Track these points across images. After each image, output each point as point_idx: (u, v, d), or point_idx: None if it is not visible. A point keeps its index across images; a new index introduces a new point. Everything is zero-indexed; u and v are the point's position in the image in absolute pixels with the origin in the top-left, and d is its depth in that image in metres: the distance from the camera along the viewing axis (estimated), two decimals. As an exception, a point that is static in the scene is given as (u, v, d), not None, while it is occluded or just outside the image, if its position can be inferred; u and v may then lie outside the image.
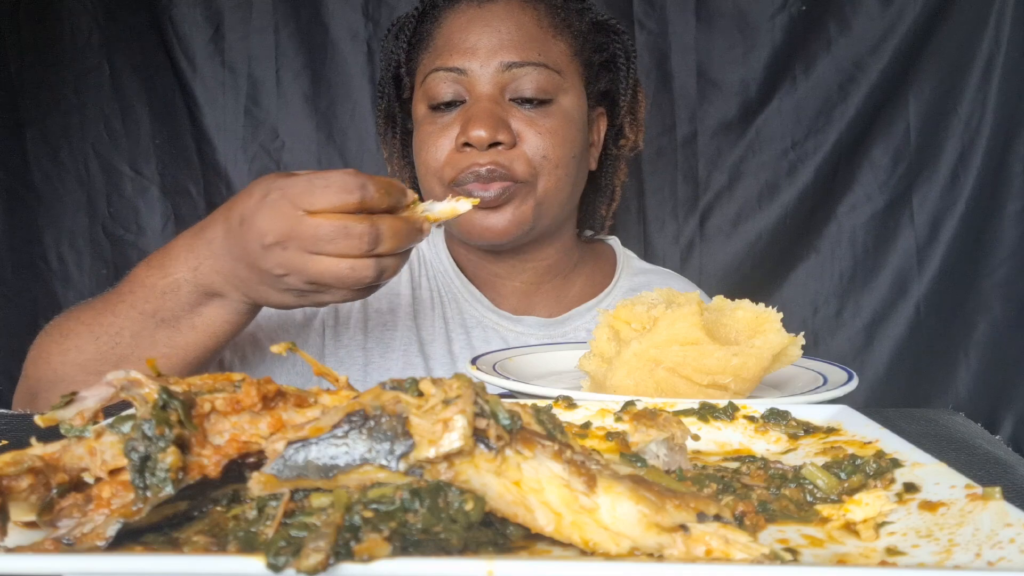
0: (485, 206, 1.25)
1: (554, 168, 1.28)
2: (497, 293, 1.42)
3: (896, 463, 0.59)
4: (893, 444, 0.63)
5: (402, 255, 0.93)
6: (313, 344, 1.35)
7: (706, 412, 0.74)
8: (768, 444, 0.71)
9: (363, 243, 0.88)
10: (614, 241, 1.56)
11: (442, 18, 1.33)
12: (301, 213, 0.87)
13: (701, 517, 0.46)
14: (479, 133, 1.21)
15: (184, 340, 1.05)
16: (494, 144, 1.23)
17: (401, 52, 1.37)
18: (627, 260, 1.52)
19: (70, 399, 0.50)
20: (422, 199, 0.96)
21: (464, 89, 1.27)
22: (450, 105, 1.28)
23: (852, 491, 0.56)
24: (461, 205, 0.93)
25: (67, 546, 0.45)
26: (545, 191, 1.28)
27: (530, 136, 1.25)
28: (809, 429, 0.71)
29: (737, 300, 0.93)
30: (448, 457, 0.46)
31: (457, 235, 1.37)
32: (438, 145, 1.27)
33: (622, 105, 1.42)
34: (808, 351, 0.93)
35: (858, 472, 0.58)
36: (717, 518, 0.47)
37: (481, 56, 1.26)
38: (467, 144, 1.23)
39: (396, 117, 1.45)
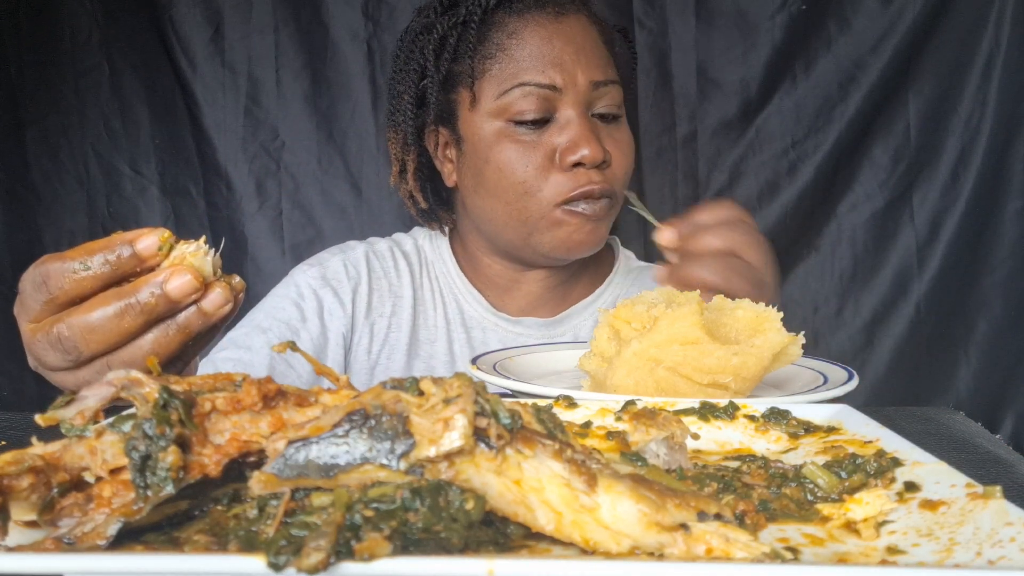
0: (592, 220, 1.28)
1: (627, 181, 1.33)
2: (499, 295, 1.43)
3: (896, 462, 0.59)
4: (893, 443, 0.63)
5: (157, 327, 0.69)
6: (334, 355, 1.37)
7: (706, 411, 0.74)
8: (768, 443, 0.71)
9: (64, 358, 0.70)
10: (614, 240, 1.57)
11: (510, 28, 1.29)
12: (24, 327, 0.73)
13: (702, 516, 0.46)
14: (594, 154, 1.23)
15: None
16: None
17: (467, 47, 1.30)
18: (625, 259, 1.55)
19: (70, 399, 0.50)
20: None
21: (552, 105, 1.27)
22: (535, 121, 1.27)
23: (852, 490, 0.56)
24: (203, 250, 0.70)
25: (68, 545, 0.45)
26: (618, 204, 1.34)
27: (617, 154, 1.30)
28: (809, 428, 0.71)
29: (737, 299, 0.93)
30: (449, 456, 0.46)
31: (542, 249, 1.32)
32: (535, 163, 1.26)
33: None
34: (808, 350, 0.93)
35: (858, 471, 0.58)
36: (718, 517, 0.47)
37: (570, 72, 1.26)
38: (577, 164, 1.25)
39: (434, 124, 1.37)
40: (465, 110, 1.31)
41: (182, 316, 0.67)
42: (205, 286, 0.67)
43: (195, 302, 0.66)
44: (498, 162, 1.28)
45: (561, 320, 1.42)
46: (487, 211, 1.33)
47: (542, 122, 1.27)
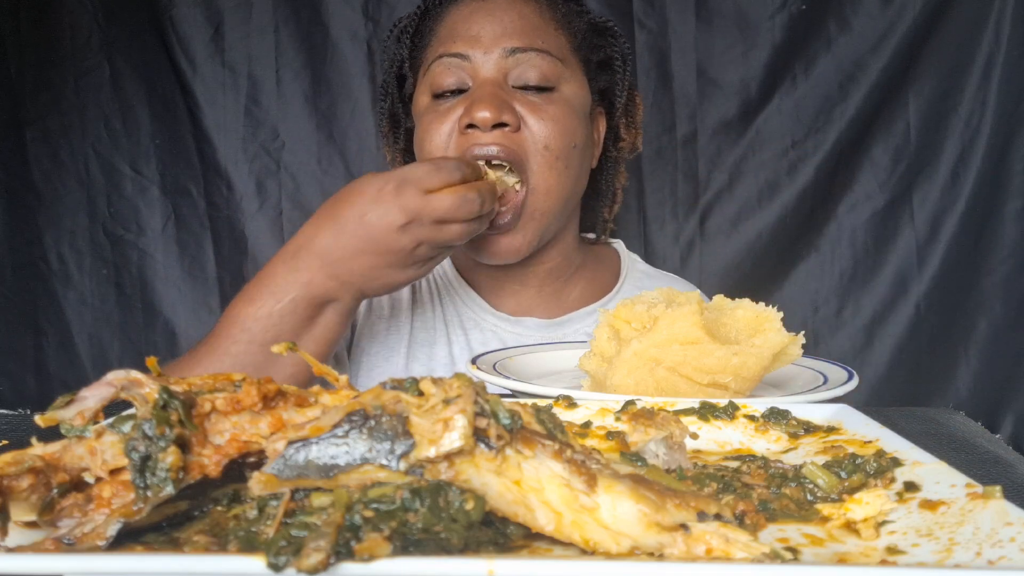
0: (497, 231, 1.25)
1: (555, 160, 1.26)
2: (496, 295, 1.41)
3: (896, 462, 0.59)
4: (893, 443, 0.63)
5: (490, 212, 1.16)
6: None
7: (706, 411, 0.74)
8: (768, 443, 0.71)
9: (476, 205, 1.09)
10: (619, 245, 1.55)
11: (444, 13, 1.33)
12: (424, 193, 1.06)
13: (701, 516, 0.46)
14: (483, 114, 1.21)
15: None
16: (499, 125, 1.22)
17: (404, 50, 1.37)
18: (632, 264, 1.51)
19: (70, 399, 0.50)
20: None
21: (467, 76, 1.27)
22: (453, 94, 1.28)
23: (852, 490, 0.56)
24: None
25: (68, 546, 0.45)
26: (547, 189, 1.26)
27: (533, 122, 1.25)
28: (809, 428, 0.71)
29: (737, 299, 0.93)
30: (448, 456, 0.46)
31: (468, 252, 1.35)
32: (440, 131, 1.27)
33: (618, 106, 1.42)
34: (808, 350, 0.93)
35: (858, 471, 0.58)
36: (717, 517, 0.47)
37: (484, 43, 1.26)
38: (471, 126, 1.23)
39: (399, 117, 1.44)
40: (414, 95, 1.38)
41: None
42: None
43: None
44: (421, 135, 1.31)
45: (563, 322, 1.40)
46: None
47: (459, 93, 1.28)
